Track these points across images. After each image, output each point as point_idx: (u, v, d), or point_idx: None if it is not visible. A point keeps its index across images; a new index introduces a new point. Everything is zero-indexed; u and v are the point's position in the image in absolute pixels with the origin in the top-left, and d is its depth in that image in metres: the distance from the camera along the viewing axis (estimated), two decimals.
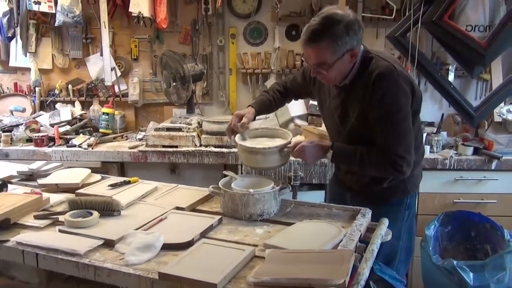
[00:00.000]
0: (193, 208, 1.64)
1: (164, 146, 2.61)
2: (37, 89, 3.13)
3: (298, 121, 2.95)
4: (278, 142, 1.66)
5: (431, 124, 2.84)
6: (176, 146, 2.61)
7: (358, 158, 1.54)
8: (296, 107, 2.95)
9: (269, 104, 1.84)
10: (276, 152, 1.60)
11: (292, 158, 1.75)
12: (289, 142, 1.62)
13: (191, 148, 2.59)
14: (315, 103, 2.52)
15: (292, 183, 2.35)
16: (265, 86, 2.99)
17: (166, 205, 1.62)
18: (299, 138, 2.73)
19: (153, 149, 2.61)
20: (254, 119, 1.76)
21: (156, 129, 2.67)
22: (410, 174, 1.57)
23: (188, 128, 2.64)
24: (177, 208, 1.61)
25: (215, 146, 2.60)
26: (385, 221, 1.48)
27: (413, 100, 1.53)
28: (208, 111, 3.13)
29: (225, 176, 1.75)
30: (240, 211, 1.54)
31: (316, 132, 2.60)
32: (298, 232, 1.41)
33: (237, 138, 1.69)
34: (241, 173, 2.43)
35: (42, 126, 2.87)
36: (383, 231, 1.43)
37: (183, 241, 1.31)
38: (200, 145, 2.64)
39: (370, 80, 1.49)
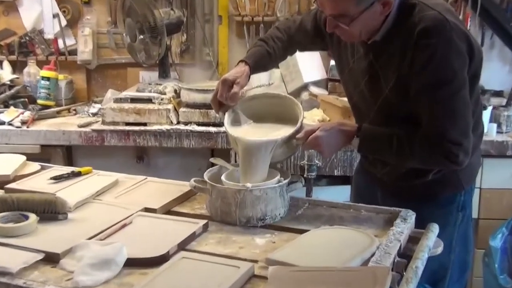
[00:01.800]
0: (168, 210, 1.64)
1: (127, 124, 2.61)
2: None
3: (314, 89, 2.95)
4: (283, 130, 1.64)
5: (498, 93, 2.83)
6: (145, 124, 2.60)
7: (396, 146, 1.55)
8: (311, 69, 2.94)
9: (268, 58, 1.81)
10: (279, 145, 1.60)
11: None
12: (298, 130, 1.61)
13: (166, 127, 2.59)
14: None
15: (305, 175, 2.35)
16: None
17: (131, 206, 1.62)
18: (315, 115, 2.73)
19: (112, 127, 2.61)
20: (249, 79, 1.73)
21: (117, 100, 2.67)
22: None
23: (161, 99, 2.64)
24: (146, 209, 1.61)
25: (199, 124, 2.60)
26: (434, 228, 1.48)
27: (471, 62, 1.52)
28: (189, 75, 3.12)
29: (213, 165, 1.74)
30: (234, 214, 1.54)
31: (339, 104, 2.60)
32: (314, 242, 1.41)
33: (227, 117, 1.68)
34: (235, 161, 2.42)
35: None
36: (432, 241, 1.43)
37: (154, 255, 1.31)
38: (178, 123, 2.63)
39: (411, 37, 1.49)
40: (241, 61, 1.75)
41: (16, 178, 1.83)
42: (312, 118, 2.66)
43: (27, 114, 2.73)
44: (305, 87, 2.95)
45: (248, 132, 1.66)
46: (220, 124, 2.51)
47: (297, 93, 2.91)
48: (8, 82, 3.01)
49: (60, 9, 3.09)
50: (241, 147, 1.61)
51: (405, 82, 1.53)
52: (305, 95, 2.92)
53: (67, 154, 2.68)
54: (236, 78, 1.67)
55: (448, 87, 1.48)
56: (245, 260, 1.33)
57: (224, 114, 1.69)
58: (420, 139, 1.52)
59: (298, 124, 1.62)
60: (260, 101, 1.76)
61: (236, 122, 1.71)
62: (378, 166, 1.76)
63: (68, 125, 2.71)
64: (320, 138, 1.57)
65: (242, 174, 1.62)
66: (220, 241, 1.45)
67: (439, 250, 1.47)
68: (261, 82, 2.63)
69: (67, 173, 1.86)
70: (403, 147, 1.54)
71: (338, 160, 2.46)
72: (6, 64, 3.11)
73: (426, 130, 1.52)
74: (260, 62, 1.79)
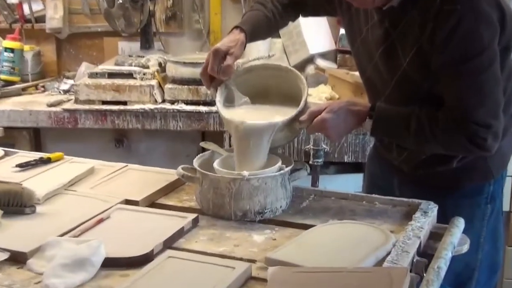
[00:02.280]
0: (151, 202, 1.65)
1: (104, 103, 2.61)
2: None
3: (321, 62, 2.94)
4: (284, 111, 1.63)
5: None
6: (125, 103, 2.60)
7: (414, 129, 1.55)
8: (317, 39, 2.93)
9: (266, 23, 1.81)
10: (280, 129, 1.60)
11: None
12: (302, 111, 1.61)
13: (149, 106, 2.59)
14: None
15: (311, 162, 2.36)
16: None
17: (109, 197, 1.62)
18: (323, 92, 2.73)
19: (87, 107, 2.60)
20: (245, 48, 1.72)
21: (92, 75, 2.66)
22: None
23: (144, 74, 2.64)
24: (127, 201, 1.61)
25: (187, 103, 2.60)
26: (460, 222, 1.49)
27: (503, 32, 1.52)
28: (176, 46, 3.11)
29: (204, 150, 1.75)
30: (228, 207, 1.54)
31: (350, 80, 2.60)
32: (320, 240, 1.42)
33: (219, 94, 1.68)
34: (229, 146, 2.42)
35: None
36: (456, 238, 1.43)
37: (136, 255, 1.31)
38: (163, 101, 2.63)
39: (432, 3, 1.49)
40: (236, 27, 1.73)
41: None
42: (318, 95, 2.66)
43: None
44: (310, 59, 2.94)
45: (244, 114, 1.66)
46: (212, 103, 2.49)
47: (301, 66, 2.90)
48: None
49: None
50: (236, 132, 1.61)
51: (426, 55, 1.53)
52: (310, 69, 2.92)
53: (35, 138, 2.68)
54: (230, 48, 1.66)
55: (476, 62, 1.48)
56: (241, 259, 1.33)
57: (216, 90, 1.68)
58: (442, 120, 1.52)
59: (302, 104, 1.62)
60: (257, 74, 1.75)
61: (229, 99, 1.70)
62: (394, 151, 1.77)
63: (36, 104, 2.70)
64: (327, 120, 1.57)
65: (237, 161, 1.62)
66: (212, 238, 1.45)
67: (465, 248, 1.47)
68: (260, 54, 2.59)
69: (35, 160, 1.86)
70: (423, 130, 1.54)
71: (349, 145, 2.46)
72: None
73: (449, 110, 1.52)
74: (258, 29, 1.78)
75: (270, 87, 1.74)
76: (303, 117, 1.59)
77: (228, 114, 1.64)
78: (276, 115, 1.63)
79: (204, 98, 2.57)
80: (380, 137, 1.80)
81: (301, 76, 1.70)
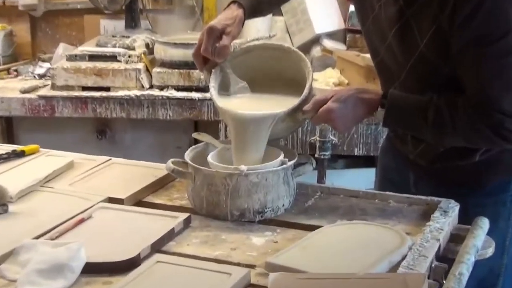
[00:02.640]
0: (138, 200, 1.65)
1: (85, 89, 2.61)
2: None
3: (328, 43, 2.94)
4: (285, 98, 1.63)
5: None
6: (108, 89, 2.61)
7: (432, 119, 1.55)
8: (324, 17, 2.93)
9: None
10: (281, 120, 1.60)
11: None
12: (305, 100, 1.61)
13: (135, 92, 2.59)
14: None
15: (317, 155, 2.36)
16: None
17: (91, 195, 1.63)
18: (330, 77, 2.73)
19: (65, 93, 2.61)
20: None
21: (71, 58, 2.66)
22: None
23: (129, 56, 2.64)
24: (110, 200, 1.62)
25: (178, 89, 2.61)
26: (483, 223, 1.49)
27: None
28: (166, 24, 3.12)
29: (197, 142, 1.75)
30: (224, 206, 1.54)
31: (361, 63, 2.60)
32: (327, 242, 1.42)
33: (213, 79, 1.68)
34: (225, 137, 2.43)
35: None
36: (480, 241, 1.43)
37: (121, 259, 1.31)
38: (151, 87, 2.64)
39: None
40: (233, 2, 1.72)
41: None
42: (325, 81, 2.66)
43: None
44: (316, 40, 2.95)
45: (241, 103, 1.66)
46: (206, 89, 2.49)
47: (306, 48, 2.91)
48: None
49: None
50: (232, 122, 1.61)
51: (446, 36, 1.53)
52: (316, 51, 2.92)
53: (7, 128, 2.69)
54: (226, 26, 1.65)
55: (501, 43, 1.48)
56: (238, 265, 1.34)
57: (210, 73, 1.68)
58: (464, 109, 1.53)
59: (305, 92, 1.62)
60: (256, 56, 1.75)
61: (225, 84, 1.70)
62: (409, 144, 1.77)
63: (8, 90, 2.70)
64: (333, 110, 1.57)
65: (234, 154, 1.62)
66: (206, 241, 1.45)
67: (490, 251, 1.47)
68: (259, 34, 2.60)
69: (7, 153, 1.86)
70: (442, 120, 1.54)
71: (360, 136, 2.47)
72: None
73: (472, 98, 1.52)
74: (258, 4, 1.78)
75: (270, 71, 1.74)
76: (307, 107, 1.59)
77: (224, 103, 1.64)
78: (277, 104, 1.63)
79: (197, 83, 2.57)
80: (393, 128, 1.81)
81: (305, 59, 1.69)
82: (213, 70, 1.68)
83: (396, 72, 1.69)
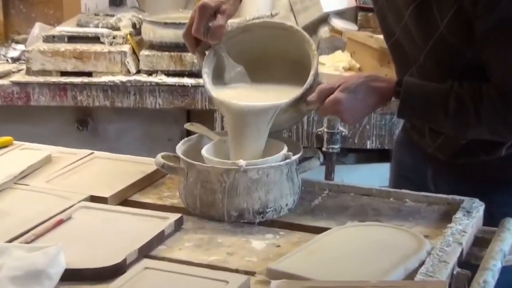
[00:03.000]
0: (124, 199, 1.66)
1: (64, 74, 2.62)
2: None
3: (337, 23, 2.94)
4: (287, 86, 1.64)
5: None
6: (90, 74, 2.61)
7: (454, 108, 1.56)
8: None
9: None
10: (283, 111, 1.60)
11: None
12: (310, 89, 1.60)
13: (120, 78, 2.60)
14: None
15: (325, 149, 2.36)
16: None
17: (71, 193, 1.63)
18: (339, 61, 2.72)
19: (42, 79, 2.61)
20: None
21: (48, 39, 2.67)
22: None
23: (114, 37, 2.64)
24: (93, 198, 1.62)
25: (169, 74, 2.62)
26: (511, 224, 1.49)
27: None
28: (154, 2, 3.13)
29: (189, 134, 1.76)
30: (220, 205, 1.54)
31: (374, 45, 2.60)
32: (336, 246, 1.42)
33: (206, 64, 1.68)
34: (222, 128, 2.43)
35: None
36: (507, 245, 1.43)
37: (105, 265, 1.31)
38: (139, 72, 2.65)
39: None
40: None
41: None
42: (334, 65, 2.66)
43: None
44: (324, 19, 2.95)
45: (238, 92, 1.67)
46: (199, 74, 2.49)
47: (313, 28, 2.91)
48: None
49: None
50: (229, 114, 1.62)
51: (468, 17, 1.53)
52: (324, 32, 2.92)
53: None
54: (221, 4, 1.65)
55: None
56: (236, 271, 1.34)
57: (202, 56, 1.69)
58: (488, 98, 1.53)
59: (309, 79, 1.61)
60: (254, 36, 1.74)
61: (220, 69, 1.70)
62: (427, 136, 1.78)
63: None
64: (341, 101, 1.57)
65: (232, 147, 1.63)
66: (200, 245, 1.46)
67: None
68: (260, 13, 2.61)
69: None
70: (465, 110, 1.55)
71: (372, 127, 2.47)
72: None
73: (498, 85, 1.53)
74: None
75: (270, 53, 1.74)
76: (311, 97, 1.59)
77: (218, 92, 1.65)
78: (278, 92, 1.63)
79: (190, 68, 2.58)
80: (409, 119, 1.82)
81: (310, 39, 1.68)
82: (206, 53, 1.68)
83: (413, 56, 1.69)
